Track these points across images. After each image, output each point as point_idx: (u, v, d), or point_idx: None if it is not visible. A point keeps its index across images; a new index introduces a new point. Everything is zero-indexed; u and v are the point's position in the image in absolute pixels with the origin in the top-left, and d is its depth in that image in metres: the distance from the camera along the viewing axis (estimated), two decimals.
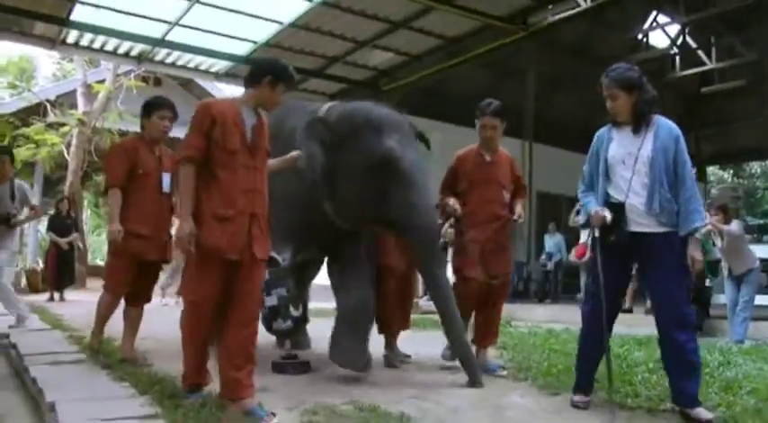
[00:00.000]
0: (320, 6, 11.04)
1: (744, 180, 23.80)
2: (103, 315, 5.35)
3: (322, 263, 5.94)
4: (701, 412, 3.70)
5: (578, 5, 12.42)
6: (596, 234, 4.01)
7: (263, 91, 3.90)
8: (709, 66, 17.64)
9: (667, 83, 17.70)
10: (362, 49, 12.89)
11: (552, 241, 14.06)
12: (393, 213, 4.66)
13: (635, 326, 7.32)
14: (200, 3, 10.89)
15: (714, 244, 8.36)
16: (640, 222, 3.88)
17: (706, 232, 8.48)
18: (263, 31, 12.19)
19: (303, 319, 5.19)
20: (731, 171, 24.92)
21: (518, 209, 5.37)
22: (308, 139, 4.68)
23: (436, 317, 5.23)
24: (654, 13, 17.36)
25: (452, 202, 5.24)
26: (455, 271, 5.36)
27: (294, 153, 4.56)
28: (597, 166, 4.09)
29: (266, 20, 11.68)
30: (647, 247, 3.88)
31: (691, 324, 3.91)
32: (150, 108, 5.37)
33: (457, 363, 4.92)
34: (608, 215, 3.88)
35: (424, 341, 6.17)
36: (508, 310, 7.86)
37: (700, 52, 17.98)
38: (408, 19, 11.65)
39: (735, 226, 7.94)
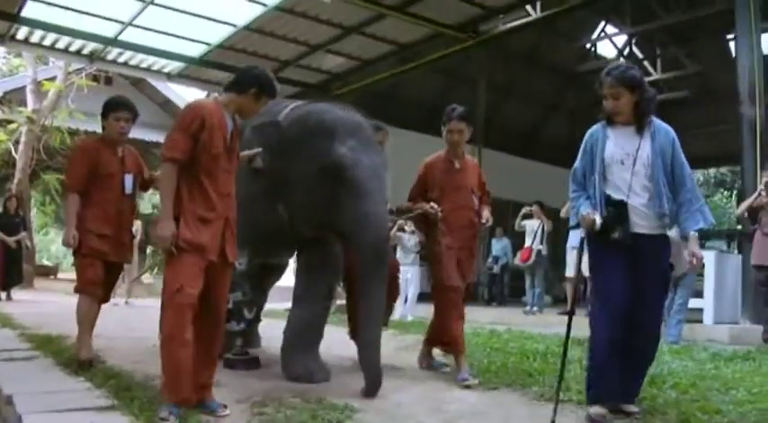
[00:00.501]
0: (274, 11, 11.25)
1: None
2: (84, 320, 5.14)
3: (285, 268, 5.97)
4: (629, 406, 3.93)
5: (529, 15, 12.84)
6: (584, 236, 3.98)
7: (246, 101, 3.92)
8: (655, 76, 18.26)
9: None
10: (315, 54, 13.14)
11: (499, 245, 14.42)
12: (343, 223, 4.60)
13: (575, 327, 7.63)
14: (155, 4, 10.99)
15: None
16: (640, 224, 3.84)
17: None
18: (217, 34, 12.35)
19: (255, 320, 5.23)
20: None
21: (485, 213, 5.38)
22: (258, 141, 4.66)
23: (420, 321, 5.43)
24: (602, 23, 17.93)
25: (430, 205, 5.16)
26: (436, 280, 5.27)
27: (248, 152, 4.52)
28: (591, 165, 3.97)
29: (220, 22, 11.85)
30: (641, 248, 3.83)
31: (659, 328, 4.01)
32: (107, 109, 5.31)
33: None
34: (598, 219, 3.79)
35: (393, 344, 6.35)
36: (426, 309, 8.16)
37: (646, 63, 18.61)
38: (361, 25, 11.92)
39: (674, 231, 8.35)
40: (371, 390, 4.32)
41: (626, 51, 18.88)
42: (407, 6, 11.14)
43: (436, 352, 5.62)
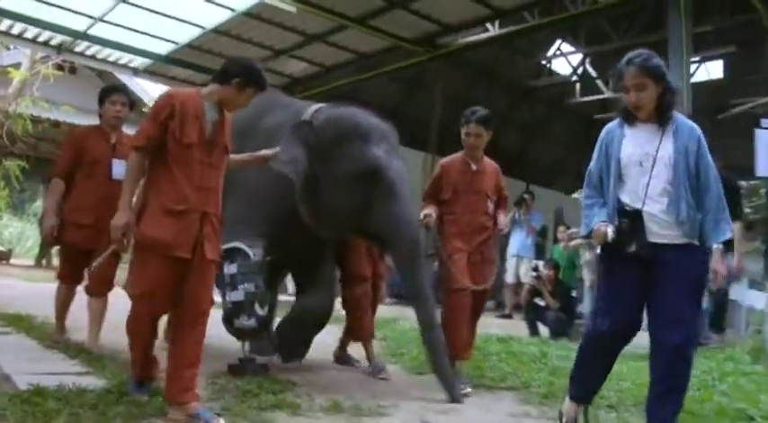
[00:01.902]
0: (242, 16, 11.83)
1: None
2: (61, 305, 5.40)
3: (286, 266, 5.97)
4: None
5: (487, 31, 13.61)
6: (598, 251, 3.78)
7: (229, 91, 3.80)
8: (607, 94, 19.25)
9: (567, 107, 19.23)
10: (279, 58, 13.73)
11: None
12: (376, 225, 4.64)
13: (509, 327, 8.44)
14: (126, 2, 11.48)
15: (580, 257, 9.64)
16: (658, 233, 3.51)
17: (576, 245, 9.74)
18: (185, 34, 12.86)
19: (268, 321, 5.04)
20: None
21: (501, 218, 5.36)
22: (293, 143, 4.60)
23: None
24: (558, 41, 18.85)
25: (427, 212, 5.13)
26: (442, 283, 5.26)
27: (266, 151, 4.45)
28: (607, 167, 3.69)
29: (189, 23, 12.37)
30: (663, 260, 3.49)
31: (695, 345, 3.70)
32: (103, 94, 5.41)
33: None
34: (610, 232, 3.51)
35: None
36: (399, 310, 8.89)
37: (599, 81, 19.59)
38: (324, 34, 12.57)
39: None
40: (455, 397, 4.46)
41: (580, 70, 19.83)
42: (368, 19, 11.79)
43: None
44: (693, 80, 18.36)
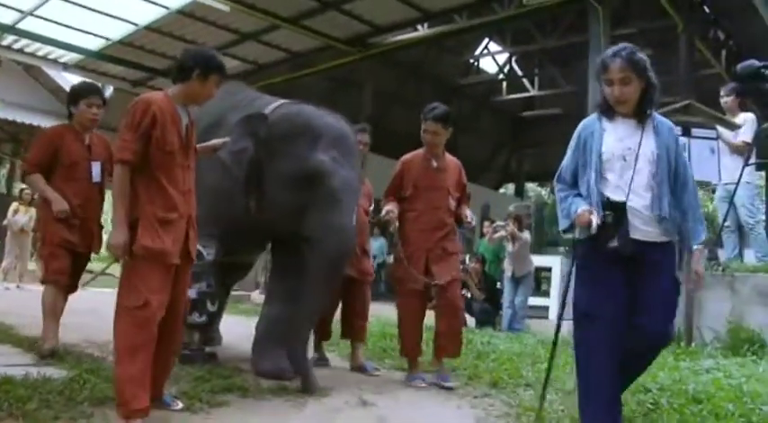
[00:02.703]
0: (176, 14, 12.08)
1: None
2: (50, 310, 5.10)
3: (251, 266, 6.19)
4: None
5: (417, 30, 14.07)
6: (578, 236, 3.55)
7: (194, 85, 3.74)
8: (532, 93, 20.04)
9: (494, 105, 19.95)
10: None
11: (376, 244, 15.66)
12: (309, 229, 4.59)
13: None
14: None
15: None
16: (642, 229, 3.44)
17: (500, 238, 10.35)
18: (117, 30, 13.01)
19: (217, 316, 5.22)
20: (548, 188, 27.74)
21: (468, 212, 5.32)
22: (242, 134, 4.56)
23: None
24: (485, 40, 19.51)
25: (389, 208, 5.20)
26: (398, 281, 5.31)
27: (215, 141, 4.36)
28: (585, 161, 3.56)
29: (121, 20, 12.52)
30: (644, 258, 3.43)
31: (666, 338, 3.61)
32: (78, 95, 5.25)
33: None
34: (595, 218, 3.39)
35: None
36: None
37: (525, 80, 20.36)
38: (257, 32, 12.90)
39: (526, 234, 10.00)
40: (308, 386, 4.44)
41: (506, 68, 20.56)
42: (301, 19, 12.18)
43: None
44: None
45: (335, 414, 4.05)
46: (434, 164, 5.29)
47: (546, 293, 11.01)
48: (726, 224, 7.17)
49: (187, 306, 4.44)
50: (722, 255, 7.63)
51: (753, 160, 7.01)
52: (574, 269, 3.64)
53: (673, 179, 3.51)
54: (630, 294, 3.42)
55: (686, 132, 6.23)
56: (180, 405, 3.78)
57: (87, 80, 6.15)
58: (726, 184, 7.04)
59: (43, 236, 5.24)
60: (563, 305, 3.94)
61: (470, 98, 20.56)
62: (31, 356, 4.89)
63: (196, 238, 3.84)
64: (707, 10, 13.92)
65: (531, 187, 27.05)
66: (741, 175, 6.53)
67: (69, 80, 18.21)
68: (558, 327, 3.98)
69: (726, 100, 7.56)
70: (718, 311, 6.23)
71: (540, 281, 12.02)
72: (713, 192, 9.10)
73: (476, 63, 20.26)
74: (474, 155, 22.10)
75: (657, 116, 3.64)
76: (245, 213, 4.74)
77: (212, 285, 4.92)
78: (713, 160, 6.44)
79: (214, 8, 11.57)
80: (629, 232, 3.41)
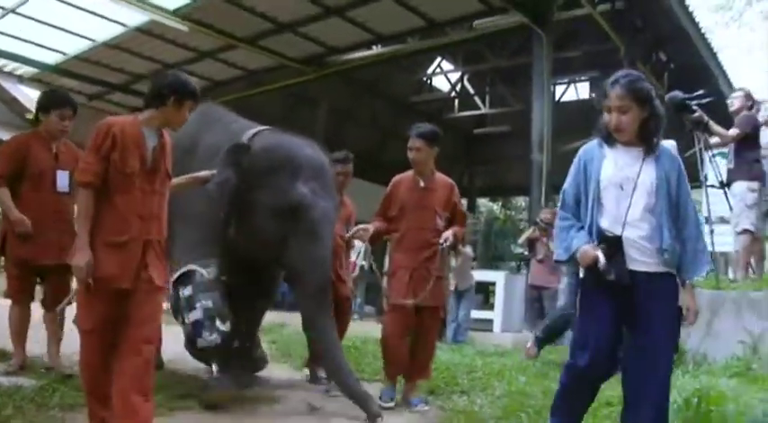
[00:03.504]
0: (134, 31, 12.46)
1: (512, 211, 27.21)
2: (16, 328, 5.09)
3: (270, 289, 5.74)
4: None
5: (371, 49, 14.54)
6: (582, 275, 3.55)
7: (168, 112, 3.73)
8: (483, 111, 20.66)
9: (446, 122, 20.47)
10: (169, 72, 14.26)
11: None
12: (290, 261, 4.71)
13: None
14: (15, 13, 11.86)
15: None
16: (638, 260, 3.37)
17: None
18: (75, 45, 13.33)
19: (233, 339, 4.77)
20: (500, 203, 28.37)
21: (446, 233, 5.17)
22: (227, 164, 4.58)
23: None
24: (438, 59, 20.09)
25: (364, 226, 5.27)
26: (386, 297, 5.36)
27: (204, 173, 4.49)
28: (585, 188, 3.54)
29: (79, 36, 12.87)
30: (642, 289, 3.36)
31: (667, 398, 3.44)
32: (49, 104, 5.16)
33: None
34: (601, 255, 3.34)
35: None
36: (283, 316, 9.69)
37: (476, 98, 20.98)
38: (214, 51, 13.40)
39: (468, 249, 10.53)
40: (372, 415, 4.43)
41: (458, 87, 21.17)
42: (258, 40, 12.72)
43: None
44: (565, 99, 20.20)
45: (285, 417, 4.48)
46: (421, 183, 5.27)
47: (491, 307, 11.55)
48: None
49: (192, 332, 4.61)
50: None
51: None
52: (579, 303, 3.61)
53: (675, 210, 3.43)
54: (630, 323, 3.36)
55: None
56: None
57: (57, 90, 6.25)
58: None
59: (6, 252, 5.15)
60: None
61: (423, 115, 21.05)
62: (3, 368, 5.08)
63: (161, 263, 3.77)
64: (648, 35, 14.66)
65: (483, 202, 27.63)
66: None
67: (24, 91, 18.42)
68: None
69: None
70: None
71: (488, 294, 12.53)
72: None
73: (429, 81, 20.79)
74: None
75: (663, 146, 3.55)
76: (227, 239, 4.80)
77: (218, 302, 4.64)
78: None
79: (173, 27, 11.97)
80: (626, 263, 3.34)
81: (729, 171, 7.19)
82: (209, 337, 4.57)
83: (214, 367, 4.74)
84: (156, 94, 3.75)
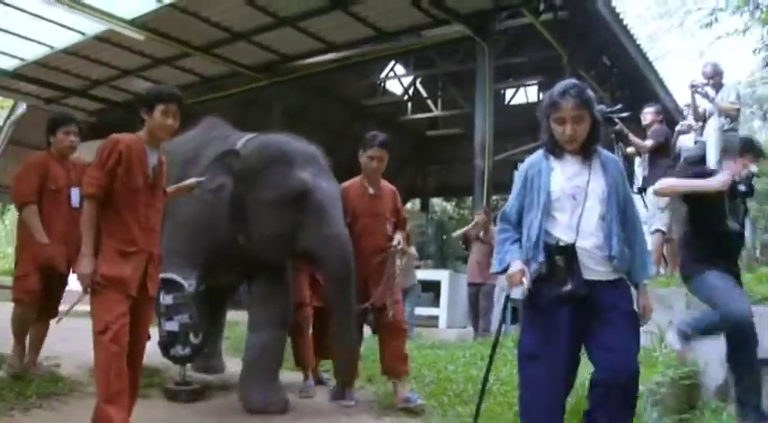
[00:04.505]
0: (92, 39, 12.92)
1: (465, 211, 27.95)
2: (18, 330, 5.33)
3: (238, 287, 6.16)
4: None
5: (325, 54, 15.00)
6: (511, 294, 3.74)
7: (149, 121, 3.97)
8: (436, 113, 21.34)
9: (400, 124, 21.14)
10: (126, 77, 14.91)
11: None
12: (307, 245, 4.84)
13: None
14: None
15: None
16: (594, 269, 3.38)
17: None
18: (33, 51, 13.71)
19: (202, 347, 5.14)
20: (453, 203, 29.02)
21: (397, 236, 5.41)
22: (218, 171, 4.79)
23: None
24: (392, 63, 20.71)
25: None
26: None
27: (190, 181, 4.63)
28: (532, 200, 3.52)
29: (37, 42, 13.25)
30: (598, 297, 3.35)
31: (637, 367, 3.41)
32: (55, 124, 5.49)
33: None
34: (526, 279, 3.35)
35: None
36: (238, 315, 10.23)
37: (429, 101, 21.66)
38: (170, 58, 13.94)
39: (412, 249, 11.16)
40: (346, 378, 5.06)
41: (411, 90, 21.84)
42: (212, 48, 13.31)
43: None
44: (514, 102, 20.99)
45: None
46: (371, 191, 5.44)
47: (437, 304, 12.26)
48: None
49: (167, 340, 4.99)
50: None
51: None
52: (521, 309, 3.62)
53: (622, 215, 3.47)
54: (585, 333, 3.36)
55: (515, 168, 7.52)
56: None
57: (63, 111, 6.76)
58: None
59: (21, 257, 5.39)
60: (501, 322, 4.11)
61: (376, 117, 21.68)
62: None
63: (157, 275, 4.07)
64: (593, 42, 15.34)
65: (437, 202, 28.32)
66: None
67: None
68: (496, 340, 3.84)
69: None
70: None
71: (439, 292, 13.15)
72: None
73: (382, 84, 21.38)
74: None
75: (603, 152, 3.60)
76: (231, 244, 4.98)
77: (194, 317, 4.95)
78: None
79: (129, 36, 12.40)
80: (582, 273, 3.34)
81: (644, 178, 8.02)
82: (182, 352, 4.99)
83: (181, 370, 5.26)
84: (142, 108, 4.01)
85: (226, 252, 5.05)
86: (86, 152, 5.29)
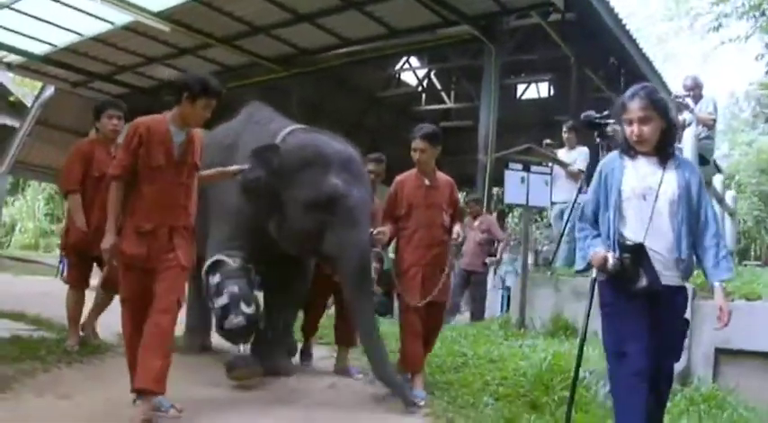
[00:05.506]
0: (120, 29, 13.76)
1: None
2: (72, 312, 5.70)
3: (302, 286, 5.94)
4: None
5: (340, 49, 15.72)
6: (594, 276, 3.72)
7: (185, 108, 4.15)
8: (449, 105, 22.07)
9: (414, 115, 21.84)
10: (151, 65, 15.79)
11: None
12: (330, 249, 4.97)
13: None
14: (8, 8, 13.03)
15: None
16: (662, 273, 3.48)
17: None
18: (63, 38, 14.55)
19: (257, 320, 5.12)
20: (465, 193, 29.66)
21: (456, 228, 5.44)
22: (257, 164, 4.91)
23: None
24: (406, 55, 21.43)
25: (382, 229, 5.30)
26: (399, 298, 5.50)
27: (233, 167, 4.89)
28: (606, 199, 3.63)
29: (68, 30, 14.08)
30: (661, 302, 3.48)
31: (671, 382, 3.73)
32: (99, 110, 5.70)
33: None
34: (611, 257, 3.48)
35: None
36: None
37: (442, 93, 22.38)
38: (194, 48, 14.78)
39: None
40: (406, 401, 4.87)
41: (425, 82, 22.58)
42: (233, 40, 14.16)
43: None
44: (526, 97, 21.67)
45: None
46: (426, 182, 5.46)
47: None
48: (564, 235, 9.22)
49: (220, 315, 4.99)
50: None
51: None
52: (600, 308, 3.67)
53: (695, 219, 3.51)
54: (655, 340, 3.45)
55: (526, 169, 8.25)
56: (175, 413, 4.17)
57: (108, 98, 7.18)
58: (563, 202, 9.03)
59: (68, 244, 5.79)
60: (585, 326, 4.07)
61: (391, 108, 22.38)
62: (23, 324, 6.47)
63: (187, 245, 4.30)
64: (602, 42, 15.85)
65: None
66: (576, 198, 8.51)
67: (8, 76, 19.53)
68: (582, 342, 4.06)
69: (566, 135, 9.58)
70: (545, 305, 8.11)
71: None
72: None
73: (397, 76, 22.11)
74: (395, 162, 23.70)
75: (680, 156, 3.71)
76: (267, 235, 5.16)
77: (244, 288, 5.04)
78: (546, 191, 8.46)
79: (155, 27, 13.27)
80: (656, 273, 3.44)
81: None
82: (235, 320, 4.93)
83: (241, 348, 5.27)
84: (177, 91, 4.20)
85: (264, 241, 5.20)
86: None
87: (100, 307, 5.86)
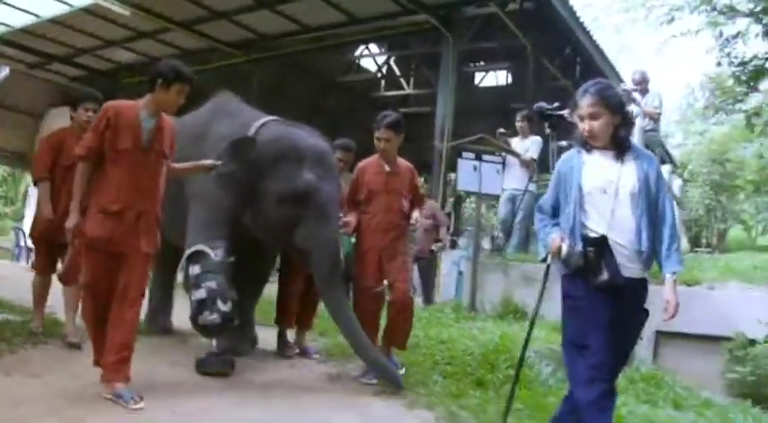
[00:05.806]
0: (79, 11, 13.75)
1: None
2: (38, 295, 5.90)
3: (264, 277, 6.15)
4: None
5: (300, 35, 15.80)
6: (551, 263, 3.79)
7: (159, 94, 4.24)
8: (407, 91, 22.29)
9: (373, 101, 22.03)
10: (110, 47, 15.79)
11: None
12: (302, 242, 5.04)
13: None
14: None
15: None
16: (626, 266, 3.54)
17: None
18: (19, 20, 14.53)
19: (233, 317, 5.08)
20: (423, 178, 30.02)
21: (415, 214, 5.63)
22: (231, 157, 4.92)
23: None
24: (366, 42, 21.59)
25: (348, 219, 5.45)
26: (354, 281, 5.61)
27: (206, 161, 4.85)
28: (566, 195, 3.69)
29: (24, 11, 14.08)
30: (622, 294, 3.53)
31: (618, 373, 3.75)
32: (78, 101, 5.73)
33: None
34: (565, 245, 3.56)
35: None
36: None
37: (401, 79, 22.59)
38: (153, 32, 14.81)
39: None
40: (396, 382, 5.06)
41: (384, 68, 22.78)
42: (192, 25, 14.22)
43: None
44: (484, 84, 21.97)
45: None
46: (387, 168, 5.60)
47: None
48: (516, 222, 9.59)
49: (196, 309, 5.01)
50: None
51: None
52: (562, 301, 3.69)
53: (653, 211, 3.57)
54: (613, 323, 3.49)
55: (479, 158, 8.55)
56: (139, 405, 4.10)
57: (83, 88, 7.01)
58: (514, 189, 9.41)
59: (35, 232, 5.89)
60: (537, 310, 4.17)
61: (350, 93, 22.53)
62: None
63: (151, 232, 4.35)
64: (559, 31, 16.13)
65: None
66: (527, 185, 8.87)
67: None
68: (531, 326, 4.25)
69: (520, 124, 9.94)
70: (496, 289, 8.48)
71: None
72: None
73: (357, 62, 22.23)
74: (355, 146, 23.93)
75: (638, 148, 3.75)
76: (243, 225, 5.26)
77: (222, 284, 5.04)
78: (498, 179, 8.79)
79: (115, 10, 13.28)
80: (617, 267, 3.49)
81: None
82: (209, 317, 4.97)
83: (213, 342, 5.29)
84: (150, 79, 4.31)
85: (241, 231, 5.27)
86: (62, 117, 5.77)
87: (73, 306, 5.59)
